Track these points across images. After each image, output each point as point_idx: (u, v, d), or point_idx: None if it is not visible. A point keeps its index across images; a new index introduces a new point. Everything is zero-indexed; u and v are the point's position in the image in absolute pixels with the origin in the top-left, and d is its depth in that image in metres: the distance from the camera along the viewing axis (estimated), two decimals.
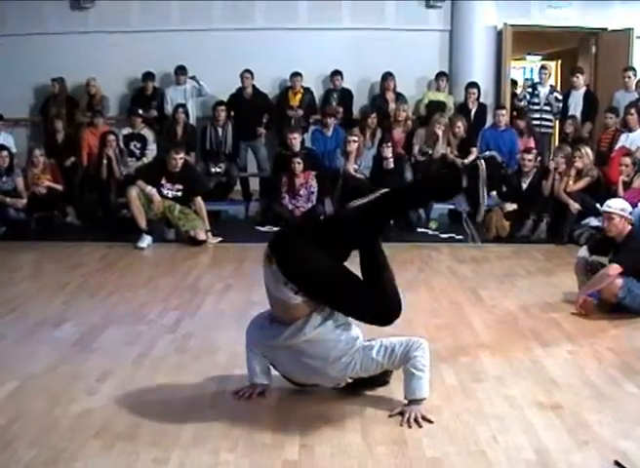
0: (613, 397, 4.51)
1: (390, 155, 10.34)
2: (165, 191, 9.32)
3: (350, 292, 4.09)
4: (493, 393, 4.55)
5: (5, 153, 10.14)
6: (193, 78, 11.98)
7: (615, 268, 6.07)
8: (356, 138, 10.65)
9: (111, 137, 10.57)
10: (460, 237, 9.60)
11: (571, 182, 9.47)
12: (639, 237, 6.33)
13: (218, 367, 4.92)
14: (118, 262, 8.31)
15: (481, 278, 7.66)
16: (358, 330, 4.25)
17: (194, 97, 12.09)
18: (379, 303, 4.10)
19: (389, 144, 10.44)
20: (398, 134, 11.41)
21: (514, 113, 12.55)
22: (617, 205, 6.39)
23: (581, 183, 9.49)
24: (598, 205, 7.55)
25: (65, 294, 6.82)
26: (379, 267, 4.17)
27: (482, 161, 4.51)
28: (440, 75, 12.27)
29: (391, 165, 10.34)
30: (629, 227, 6.31)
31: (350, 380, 4.30)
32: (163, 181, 9.33)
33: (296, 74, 11.95)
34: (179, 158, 9.32)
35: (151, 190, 9.18)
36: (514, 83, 14.12)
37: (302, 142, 10.88)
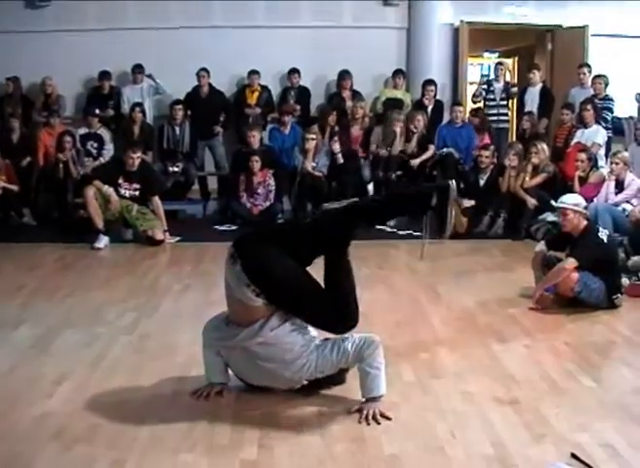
0: (570, 391, 4.57)
1: (338, 149, 10.38)
2: (122, 191, 9.25)
3: (311, 298, 4.11)
4: (451, 389, 4.58)
5: None
6: (150, 76, 11.90)
7: (571, 262, 6.13)
8: (314, 136, 10.65)
9: (67, 139, 10.48)
10: (419, 234, 9.60)
11: (527, 178, 9.54)
12: (595, 232, 6.38)
13: (175, 367, 4.90)
14: (75, 263, 8.22)
15: (439, 274, 7.69)
16: (314, 331, 4.26)
17: (151, 95, 12.01)
18: (337, 312, 4.12)
19: (336, 139, 10.48)
20: (356, 131, 11.44)
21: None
22: (570, 200, 6.45)
23: (538, 179, 9.57)
24: (553, 201, 7.59)
25: (22, 296, 6.74)
26: (341, 276, 4.19)
27: (453, 181, 4.53)
28: (397, 72, 12.29)
29: (341, 160, 10.37)
30: (585, 222, 6.37)
31: (306, 382, 4.30)
32: (120, 181, 9.25)
33: (253, 72, 11.92)
34: (136, 157, 9.26)
35: (108, 190, 9.10)
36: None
37: (261, 140, 10.85)
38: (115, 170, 9.36)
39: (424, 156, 10.93)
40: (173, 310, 6.35)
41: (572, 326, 5.92)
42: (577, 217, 6.33)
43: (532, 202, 9.33)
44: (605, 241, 6.34)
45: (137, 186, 9.29)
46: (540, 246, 6.70)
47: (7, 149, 10.71)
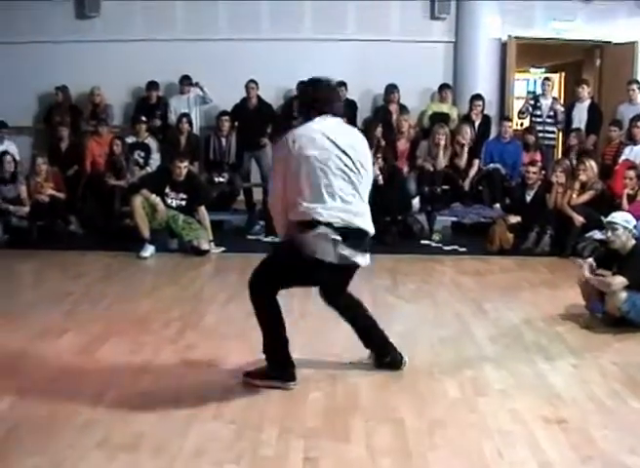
0: (617, 411, 4.49)
1: (378, 172, 10.28)
2: (169, 200, 9.31)
3: None
4: (497, 407, 4.53)
5: (9, 158, 10.16)
6: (197, 85, 11.99)
7: (620, 281, 6.04)
8: None
9: (117, 142, 10.74)
10: (464, 249, 9.59)
11: (575, 195, 9.45)
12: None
13: (220, 378, 4.90)
14: (121, 272, 8.29)
15: (485, 290, 7.63)
16: None
17: (198, 105, 12.10)
18: None
19: (379, 158, 10.37)
20: (402, 145, 11.43)
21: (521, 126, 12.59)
22: (621, 217, 6.38)
23: (585, 197, 9.48)
24: (602, 217, 7.52)
25: (68, 304, 6.81)
26: None
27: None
28: (443, 87, 12.27)
29: (381, 181, 10.24)
30: (633, 241, 6.29)
31: None
32: (167, 190, 9.32)
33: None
34: (183, 166, 9.32)
35: (156, 199, 9.16)
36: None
37: None
38: (162, 179, 9.43)
39: (471, 173, 10.89)
40: (217, 320, 6.36)
41: (619, 345, 5.83)
42: (625, 235, 6.25)
43: (579, 219, 9.24)
44: None
45: (183, 196, 9.35)
46: (589, 262, 6.62)
47: (55, 157, 10.86)
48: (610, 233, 6.34)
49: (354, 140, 4.69)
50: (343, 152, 4.53)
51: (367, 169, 4.69)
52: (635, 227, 6.46)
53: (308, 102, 4.75)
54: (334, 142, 4.51)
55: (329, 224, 4.49)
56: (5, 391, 4.64)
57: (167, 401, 4.55)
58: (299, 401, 4.54)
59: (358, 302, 5.09)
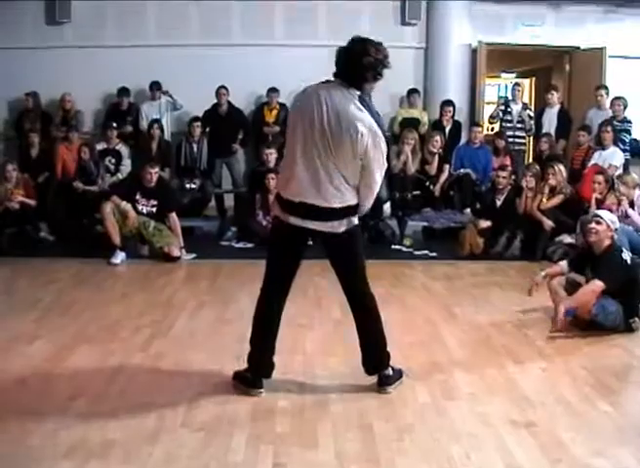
0: (586, 414, 4.53)
1: None
2: (139, 207, 9.28)
3: None
4: (466, 411, 4.55)
5: None
6: (166, 93, 11.96)
7: (598, 285, 6.09)
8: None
9: (85, 149, 10.76)
10: (435, 254, 9.64)
11: (544, 200, 9.51)
12: (619, 253, 6.35)
13: (190, 385, 4.89)
14: (91, 278, 8.25)
15: (455, 295, 7.68)
16: None
17: (169, 111, 12.07)
18: None
19: None
20: None
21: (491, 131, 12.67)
22: (608, 215, 6.49)
23: (555, 200, 9.54)
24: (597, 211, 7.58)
25: (38, 311, 6.76)
26: None
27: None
28: (412, 92, 12.31)
29: None
30: (609, 241, 6.35)
31: None
32: (138, 197, 9.29)
33: (272, 90, 11.95)
34: (154, 172, 9.29)
35: (126, 206, 9.13)
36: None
37: (279, 159, 10.85)
38: (133, 186, 9.40)
39: (442, 178, 10.96)
40: (188, 327, 6.33)
41: (588, 348, 5.88)
42: (606, 232, 6.32)
43: (548, 223, 9.30)
44: (629, 262, 6.32)
45: (154, 202, 9.33)
46: (562, 265, 6.66)
47: (26, 164, 10.78)
48: (593, 224, 6.39)
49: None
50: None
51: None
52: (616, 231, 6.53)
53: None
54: None
55: None
56: None
57: (136, 408, 4.53)
58: (267, 407, 4.54)
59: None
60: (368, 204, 4.69)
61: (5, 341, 5.83)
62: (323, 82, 4.62)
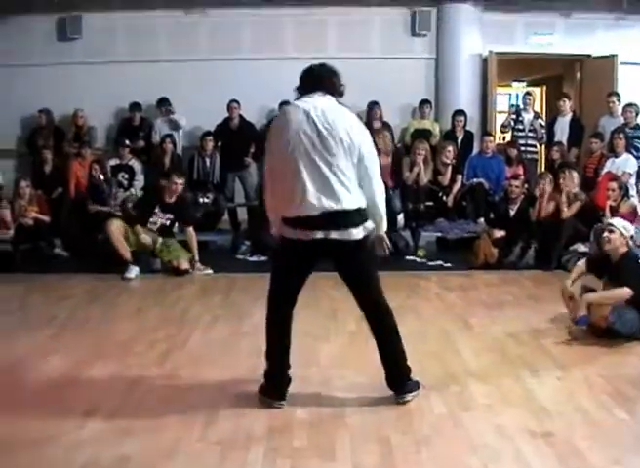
0: (604, 423, 4.49)
1: None
2: (155, 219, 9.31)
3: None
4: (483, 422, 4.52)
5: None
6: (168, 112, 12.00)
7: (627, 292, 6.08)
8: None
9: (95, 166, 10.84)
10: (449, 265, 9.62)
11: (565, 209, 9.42)
12: (635, 262, 6.35)
13: (205, 400, 4.88)
14: (105, 294, 8.26)
15: (469, 305, 7.65)
16: None
17: (172, 129, 12.10)
18: None
19: None
20: (383, 160, 11.39)
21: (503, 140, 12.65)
22: (621, 223, 6.50)
23: (575, 207, 9.48)
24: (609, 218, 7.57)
25: (53, 327, 6.77)
26: None
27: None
28: (424, 103, 12.32)
29: None
30: (625, 248, 6.34)
31: None
32: (156, 210, 9.34)
33: (285, 103, 11.96)
34: (179, 183, 9.34)
35: (145, 237, 9.22)
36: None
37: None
38: (153, 199, 9.47)
39: (455, 189, 10.95)
40: (203, 342, 6.33)
41: (605, 357, 5.84)
42: (620, 240, 6.31)
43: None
44: None
45: (170, 216, 9.39)
46: (581, 265, 6.65)
47: (39, 180, 10.83)
48: (606, 233, 6.40)
49: None
50: None
51: None
52: (632, 238, 6.52)
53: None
54: None
55: None
56: None
57: (153, 423, 4.53)
58: (285, 420, 4.53)
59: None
60: (380, 197, 4.75)
61: (20, 357, 5.84)
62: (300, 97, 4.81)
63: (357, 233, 4.60)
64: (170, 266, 9.19)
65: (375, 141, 11.34)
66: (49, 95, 12.12)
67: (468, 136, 12.09)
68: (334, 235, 4.56)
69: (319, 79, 4.82)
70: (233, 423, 4.52)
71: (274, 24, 12.64)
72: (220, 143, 11.71)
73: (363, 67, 12.38)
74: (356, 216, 4.61)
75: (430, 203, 10.92)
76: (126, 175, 11.15)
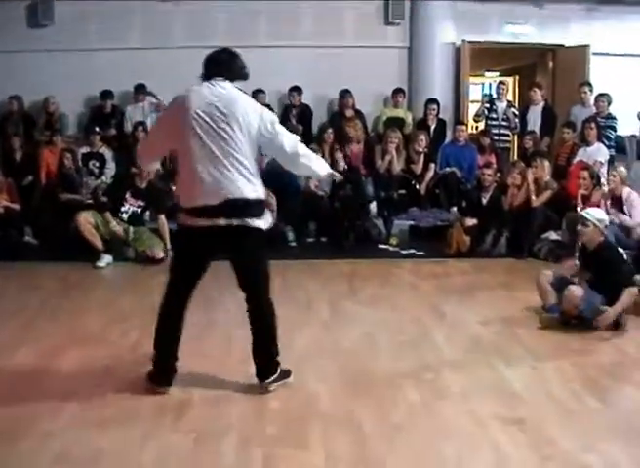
0: (576, 411, 4.53)
1: (344, 164, 10.47)
2: (126, 206, 9.26)
3: None
4: (456, 410, 4.55)
5: None
6: (151, 93, 11.91)
7: (634, 292, 6.24)
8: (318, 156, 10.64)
9: (67, 155, 10.68)
10: (422, 253, 9.64)
11: (534, 197, 9.46)
12: (615, 248, 6.49)
13: (179, 388, 4.85)
14: (78, 283, 8.19)
15: (443, 293, 7.66)
16: None
17: (153, 113, 12.00)
18: None
19: (341, 155, 10.61)
20: (355, 148, 11.45)
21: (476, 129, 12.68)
22: (595, 213, 6.54)
23: (546, 195, 9.51)
24: (581, 210, 7.60)
25: (24, 317, 6.70)
26: None
27: None
28: (397, 91, 12.30)
29: (343, 164, 10.49)
30: (601, 238, 6.40)
31: None
32: (127, 196, 9.28)
33: (259, 91, 11.93)
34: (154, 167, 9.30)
35: (115, 226, 9.17)
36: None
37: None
38: (124, 184, 9.43)
39: (427, 177, 10.97)
40: None
41: (577, 346, 5.88)
42: (596, 232, 6.37)
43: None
44: (625, 257, 6.41)
45: (141, 203, 9.34)
46: (573, 263, 6.74)
47: (9, 168, 10.71)
48: (580, 226, 6.46)
49: None
50: None
51: None
52: (606, 227, 6.56)
53: None
54: None
55: None
56: None
57: (126, 413, 4.51)
58: (257, 409, 4.53)
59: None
60: (301, 145, 4.86)
61: None
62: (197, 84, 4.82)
63: (258, 223, 4.66)
64: (144, 255, 9.13)
65: (347, 130, 11.48)
66: (19, 81, 11.98)
67: (441, 124, 12.11)
68: (235, 222, 4.59)
69: (218, 65, 4.81)
70: (205, 413, 4.52)
71: (248, 12, 12.55)
72: None
73: (336, 56, 12.40)
74: (256, 207, 4.66)
75: (403, 191, 10.94)
76: (97, 163, 11.06)
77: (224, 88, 4.68)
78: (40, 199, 10.75)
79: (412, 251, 9.76)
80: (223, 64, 4.81)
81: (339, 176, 5.42)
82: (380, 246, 10.09)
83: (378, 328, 5.99)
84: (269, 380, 4.79)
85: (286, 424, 4.31)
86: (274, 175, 10.71)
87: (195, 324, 6.35)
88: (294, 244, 10.13)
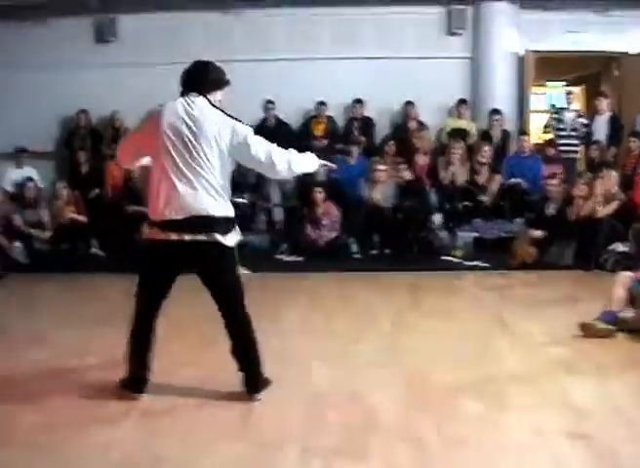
0: None
1: (409, 176, 10.49)
2: None
3: None
4: (519, 423, 4.46)
5: (31, 185, 10.35)
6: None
7: None
8: (383, 167, 10.67)
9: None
10: (486, 265, 9.54)
11: (599, 208, 9.33)
12: None
13: (240, 399, 4.85)
14: None
15: (507, 305, 7.57)
16: None
17: None
18: None
19: (405, 167, 10.65)
20: (421, 160, 11.43)
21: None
22: None
23: (612, 206, 9.37)
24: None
25: (89, 327, 6.79)
26: None
27: None
28: (460, 102, 12.26)
29: (407, 175, 10.50)
30: None
31: None
32: None
33: (321, 103, 12.00)
34: None
35: None
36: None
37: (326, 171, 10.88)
38: None
39: (492, 188, 10.89)
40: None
41: None
42: None
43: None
44: None
45: None
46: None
47: (76, 181, 10.92)
48: None
49: None
50: None
51: None
52: None
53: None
54: None
55: None
56: (25, 411, 4.66)
57: (187, 423, 4.53)
58: (318, 420, 4.50)
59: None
60: (275, 150, 4.87)
61: (56, 356, 5.88)
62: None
63: (224, 239, 4.68)
64: None
65: (412, 141, 11.48)
66: (87, 96, 12.19)
67: (505, 135, 12.01)
68: (200, 237, 4.62)
69: (191, 79, 4.88)
70: (266, 423, 4.51)
71: (309, 24, 12.61)
72: None
73: (398, 67, 12.39)
74: (221, 224, 4.68)
75: (467, 202, 10.86)
76: None
77: (196, 104, 4.71)
78: (106, 211, 10.90)
79: (476, 262, 9.68)
80: (196, 78, 4.87)
81: (331, 166, 5.42)
82: (444, 257, 10.04)
83: (440, 339, 5.94)
84: (259, 393, 4.84)
85: (346, 435, 4.28)
86: (337, 186, 10.82)
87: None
88: (357, 256, 10.15)
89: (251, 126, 4.80)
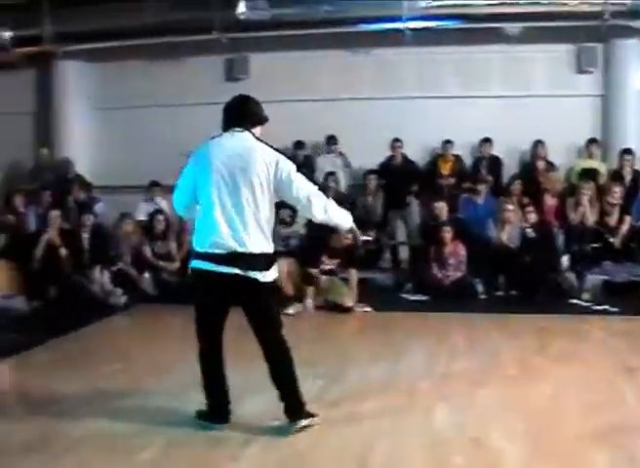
0: None
1: (533, 219, 10.31)
2: (323, 266, 9.58)
3: None
4: None
5: (161, 217, 10.66)
6: (340, 154, 12.19)
7: None
8: (512, 207, 10.56)
9: None
10: (615, 309, 9.30)
11: None
12: None
13: (358, 438, 4.86)
14: None
15: (637, 352, 7.34)
16: None
17: (342, 167, 12.25)
18: None
19: (532, 209, 10.41)
20: (550, 201, 11.27)
21: None
22: None
23: None
24: None
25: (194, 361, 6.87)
26: None
27: None
28: (591, 141, 12.03)
29: (532, 234, 10.24)
30: None
31: None
32: (324, 258, 9.62)
33: (448, 142, 11.98)
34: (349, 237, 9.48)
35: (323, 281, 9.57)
36: None
37: (450, 210, 10.85)
38: (320, 248, 9.70)
39: (623, 230, 10.63)
40: (361, 379, 6.33)
41: None
42: None
43: None
44: None
45: (336, 261, 9.60)
46: None
47: None
48: None
49: None
50: None
51: None
52: None
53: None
54: None
55: None
56: (149, 444, 4.77)
57: (307, 458, 4.57)
58: (441, 464, 4.45)
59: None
60: (317, 195, 5.07)
61: (182, 388, 5.93)
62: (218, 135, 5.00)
63: (261, 276, 4.76)
64: (333, 304, 9.30)
65: (540, 181, 11.32)
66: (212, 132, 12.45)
67: (636, 175, 11.72)
68: (238, 272, 4.71)
69: (234, 114, 4.98)
70: (388, 457, 4.51)
71: (436, 63, 12.64)
72: (382, 182, 11.78)
73: (527, 105, 12.27)
74: (260, 260, 4.75)
75: (596, 244, 10.62)
76: (289, 212, 11.32)
77: (242, 139, 4.86)
78: None
79: (605, 306, 9.43)
80: (241, 112, 4.98)
81: (362, 238, 5.64)
82: (572, 300, 9.83)
83: (567, 385, 5.81)
84: (300, 421, 4.91)
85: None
86: (463, 226, 10.76)
87: (382, 373, 6.40)
88: (483, 296, 10.06)
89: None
